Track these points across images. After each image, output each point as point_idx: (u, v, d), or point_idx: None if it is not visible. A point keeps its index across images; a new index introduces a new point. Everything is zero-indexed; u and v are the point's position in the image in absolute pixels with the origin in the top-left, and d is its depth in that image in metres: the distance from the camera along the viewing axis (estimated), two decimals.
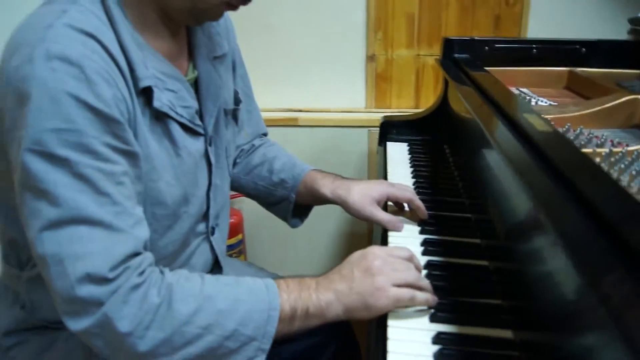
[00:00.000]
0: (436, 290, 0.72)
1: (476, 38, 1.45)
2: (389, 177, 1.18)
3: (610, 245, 0.40)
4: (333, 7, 1.87)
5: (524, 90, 1.34)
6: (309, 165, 1.06)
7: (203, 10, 0.75)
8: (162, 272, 0.66)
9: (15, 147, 0.62)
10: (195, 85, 0.84)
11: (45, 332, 0.81)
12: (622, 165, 0.75)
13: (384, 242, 0.91)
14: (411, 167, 1.25)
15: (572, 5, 1.81)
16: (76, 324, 0.61)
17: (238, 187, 1.10)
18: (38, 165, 0.60)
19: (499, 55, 1.43)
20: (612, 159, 0.78)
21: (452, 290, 0.75)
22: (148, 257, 0.66)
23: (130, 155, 0.67)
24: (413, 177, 1.18)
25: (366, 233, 1.93)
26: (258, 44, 1.93)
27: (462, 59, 1.39)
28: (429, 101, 1.80)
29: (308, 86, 1.96)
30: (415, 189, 1.10)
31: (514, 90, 1.32)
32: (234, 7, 0.77)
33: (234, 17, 1.78)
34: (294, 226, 1.08)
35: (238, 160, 1.08)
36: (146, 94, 0.71)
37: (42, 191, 0.60)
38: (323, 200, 1.00)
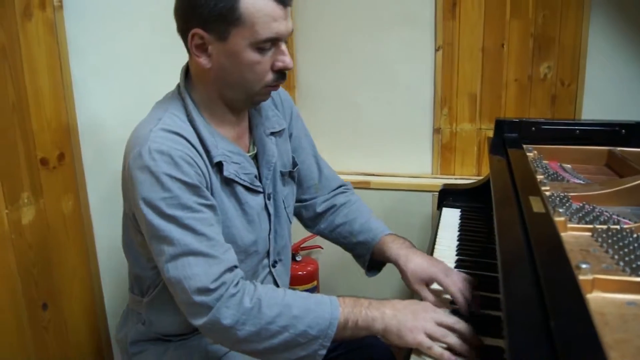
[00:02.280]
0: None
1: (524, 119, 1.65)
2: (437, 240, 1.40)
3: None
4: (405, 87, 2.16)
5: (567, 166, 1.52)
6: (384, 227, 1.25)
7: (254, 94, 1.02)
8: (255, 285, 0.92)
9: (140, 212, 0.93)
10: (255, 157, 1.12)
11: (159, 343, 1.12)
12: (610, 241, 0.94)
13: None
14: (458, 231, 1.46)
15: (627, 85, 1.95)
16: (197, 321, 0.90)
17: (329, 240, 1.33)
18: (158, 221, 0.91)
19: (545, 134, 1.62)
20: (604, 235, 0.96)
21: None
22: (239, 273, 0.93)
23: (211, 207, 0.96)
24: (457, 240, 1.39)
25: None
26: (341, 117, 2.26)
27: (509, 137, 1.60)
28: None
29: (381, 153, 2.24)
30: (457, 251, 1.32)
31: (557, 165, 1.51)
32: (276, 87, 1.04)
33: (322, 95, 2.14)
34: (370, 276, 1.28)
35: (323, 219, 1.31)
36: (219, 166, 1.01)
37: (163, 237, 0.91)
38: (391, 262, 1.17)
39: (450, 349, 0.89)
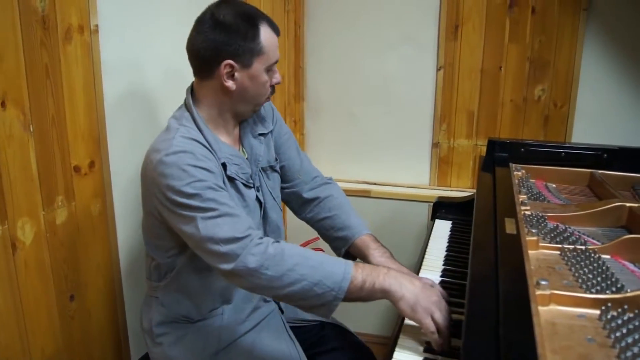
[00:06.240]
0: None
1: (514, 140, 1.78)
2: (427, 249, 1.53)
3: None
4: (407, 103, 2.30)
5: (551, 185, 1.64)
6: (362, 227, 1.39)
7: (259, 104, 1.28)
8: (278, 241, 1.08)
9: (167, 200, 1.10)
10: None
11: (179, 326, 1.28)
12: (574, 260, 1.07)
13: None
14: (447, 242, 1.59)
15: (617, 109, 2.07)
16: (227, 266, 1.05)
17: (313, 228, 1.50)
18: (185, 200, 1.08)
19: (533, 155, 1.75)
20: (569, 254, 1.09)
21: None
22: (260, 233, 1.10)
23: (227, 190, 1.15)
24: (446, 251, 1.52)
25: None
26: (345, 129, 2.40)
27: (499, 157, 1.72)
28: None
29: (382, 164, 2.38)
30: (444, 260, 1.45)
31: (542, 185, 1.63)
32: (269, 99, 1.28)
33: (328, 109, 2.28)
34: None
35: (309, 209, 1.49)
36: (224, 166, 1.20)
37: (194, 207, 1.07)
38: (368, 262, 1.31)
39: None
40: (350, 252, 1.39)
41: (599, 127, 2.08)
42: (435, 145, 2.29)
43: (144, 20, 1.48)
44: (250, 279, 1.05)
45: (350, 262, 1.07)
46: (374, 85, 2.33)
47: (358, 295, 1.05)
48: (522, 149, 1.76)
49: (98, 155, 1.37)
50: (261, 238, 1.07)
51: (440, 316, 1.01)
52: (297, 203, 1.51)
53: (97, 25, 1.32)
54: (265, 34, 1.19)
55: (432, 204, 1.89)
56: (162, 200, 1.12)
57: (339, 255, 1.42)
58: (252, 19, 1.18)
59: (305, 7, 2.37)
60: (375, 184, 2.37)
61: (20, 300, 1.18)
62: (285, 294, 1.04)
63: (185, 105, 1.25)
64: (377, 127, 2.36)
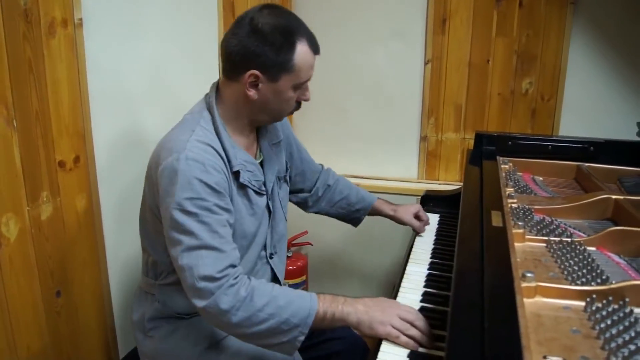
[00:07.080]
0: None
1: (501, 134, 1.79)
2: (415, 243, 1.53)
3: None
4: (395, 97, 2.30)
5: (538, 178, 1.65)
6: (372, 195, 1.65)
7: (280, 118, 1.27)
8: (249, 279, 1.07)
9: (165, 207, 1.09)
10: (261, 163, 1.31)
11: (172, 321, 1.27)
12: (560, 252, 1.07)
13: (397, 288, 1.27)
14: (435, 235, 1.59)
15: (603, 102, 2.08)
16: (200, 303, 1.04)
17: (326, 214, 1.65)
18: (181, 216, 1.06)
19: (521, 148, 1.76)
20: (556, 247, 1.10)
21: (432, 327, 1.09)
22: (240, 269, 1.09)
23: (228, 211, 1.13)
24: (433, 244, 1.53)
25: None
26: (334, 123, 2.39)
27: (487, 150, 1.73)
28: None
29: (370, 158, 2.38)
30: (432, 253, 1.45)
31: (529, 177, 1.64)
32: (292, 112, 1.27)
33: (316, 103, 2.27)
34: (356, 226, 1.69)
35: (322, 198, 1.61)
36: (236, 174, 1.19)
37: (183, 230, 1.06)
38: (385, 217, 1.65)
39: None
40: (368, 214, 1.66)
41: (586, 120, 2.10)
42: (423, 138, 2.29)
43: (128, 13, 1.46)
44: (220, 318, 1.05)
45: (314, 296, 1.08)
46: (362, 80, 2.33)
47: (320, 325, 1.08)
48: (510, 142, 1.76)
49: (83, 150, 1.35)
50: (236, 278, 1.06)
51: (398, 322, 1.05)
52: (312, 200, 1.60)
53: (81, 19, 1.30)
54: (301, 51, 1.14)
55: (420, 197, 1.89)
56: (161, 204, 1.11)
57: (355, 223, 1.66)
58: (291, 34, 1.13)
59: (293, 1, 2.36)
60: (363, 177, 2.37)
61: (5, 296, 1.17)
62: (252, 333, 1.05)
63: (207, 102, 1.22)
64: (365, 121, 2.36)
